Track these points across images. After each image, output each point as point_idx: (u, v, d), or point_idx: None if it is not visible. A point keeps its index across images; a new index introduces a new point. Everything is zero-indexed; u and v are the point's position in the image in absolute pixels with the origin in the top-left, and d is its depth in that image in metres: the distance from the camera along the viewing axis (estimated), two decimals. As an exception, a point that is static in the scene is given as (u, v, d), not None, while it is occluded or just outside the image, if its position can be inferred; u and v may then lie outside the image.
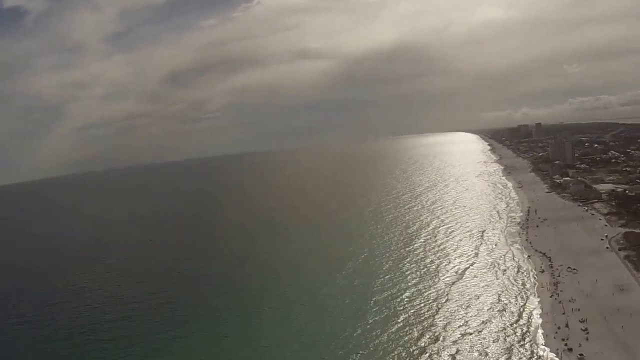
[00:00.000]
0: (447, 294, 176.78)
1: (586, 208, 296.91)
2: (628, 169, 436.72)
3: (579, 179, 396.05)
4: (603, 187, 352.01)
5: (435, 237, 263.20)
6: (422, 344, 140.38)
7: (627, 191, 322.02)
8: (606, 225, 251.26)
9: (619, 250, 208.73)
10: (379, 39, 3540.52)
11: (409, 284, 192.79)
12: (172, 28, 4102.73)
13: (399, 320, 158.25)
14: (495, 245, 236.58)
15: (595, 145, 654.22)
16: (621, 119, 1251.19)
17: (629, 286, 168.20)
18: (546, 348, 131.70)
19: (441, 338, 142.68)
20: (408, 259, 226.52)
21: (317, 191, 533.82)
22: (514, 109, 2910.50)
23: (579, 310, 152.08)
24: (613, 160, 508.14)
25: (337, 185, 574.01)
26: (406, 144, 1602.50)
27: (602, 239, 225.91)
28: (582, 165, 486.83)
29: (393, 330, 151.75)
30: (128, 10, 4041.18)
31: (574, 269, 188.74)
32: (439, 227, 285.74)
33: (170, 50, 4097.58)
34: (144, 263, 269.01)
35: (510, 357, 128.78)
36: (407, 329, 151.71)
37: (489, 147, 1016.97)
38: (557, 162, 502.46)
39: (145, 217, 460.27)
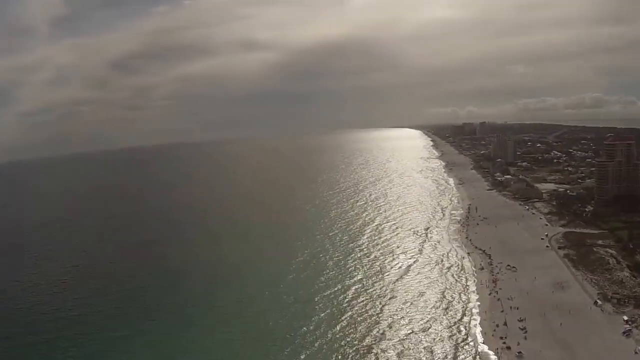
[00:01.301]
0: (392, 291, 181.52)
1: (527, 207, 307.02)
2: (570, 168, 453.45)
3: (520, 177, 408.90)
4: (544, 187, 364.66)
5: (380, 233, 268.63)
6: (369, 342, 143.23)
7: (568, 191, 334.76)
8: (547, 225, 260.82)
9: (559, 249, 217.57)
10: (327, 33, 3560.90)
11: (355, 280, 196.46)
12: (120, 14, 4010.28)
13: (345, 318, 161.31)
14: (438, 242, 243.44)
15: (538, 145, 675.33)
16: (565, 121, 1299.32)
17: (568, 284, 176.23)
18: (485, 346, 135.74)
19: (387, 336, 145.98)
20: (353, 255, 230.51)
21: (259, 185, 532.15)
22: (459, 106, 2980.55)
23: (517, 308, 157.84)
24: (555, 160, 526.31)
25: (279, 179, 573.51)
26: (350, 139, 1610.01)
27: (542, 238, 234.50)
28: (524, 164, 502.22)
29: (339, 328, 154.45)
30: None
31: (513, 267, 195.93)
32: (383, 223, 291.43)
33: (117, 36, 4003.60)
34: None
35: (446, 356, 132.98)
36: (354, 326, 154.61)
37: (431, 143, 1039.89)
38: (498, 160, 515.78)
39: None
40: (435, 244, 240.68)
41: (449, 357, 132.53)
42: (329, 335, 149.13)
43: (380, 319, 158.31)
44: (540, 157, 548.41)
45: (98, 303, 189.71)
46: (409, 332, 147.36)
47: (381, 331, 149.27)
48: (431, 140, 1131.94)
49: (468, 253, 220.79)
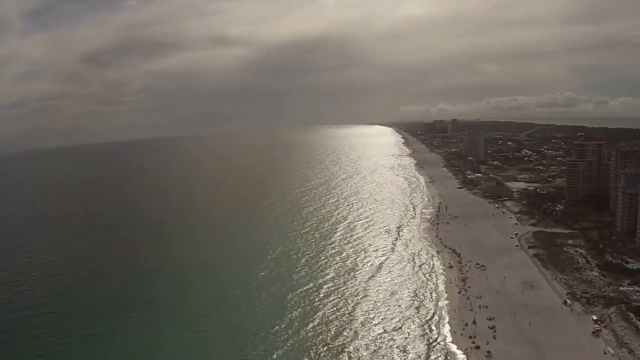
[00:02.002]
0: (364, 290, 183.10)
1: (497, 205, 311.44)
2: (540, 167, 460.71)
3: (490, 176, 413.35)
4: (515, 185, 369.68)
5: (352, 231, 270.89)
6: (341, 341, 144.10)
7: (538, 190, 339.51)
8: (517, 224, 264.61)
9: (529, 248, 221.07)
10: (301, 30, 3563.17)
11: (327, 278, 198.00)
12: (92, 7, 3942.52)
13: (318, 316, 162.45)
14: (409, 240, 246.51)
15: (509, 143, 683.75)
16: (537, 120, 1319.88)
17: (538, 283, 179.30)
18: (454, 346, 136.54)
19: (360, 335, 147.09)
20: (325, 253, 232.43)
21: (231, 183, 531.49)
22: (432, 104, 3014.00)
23: (486, 307, 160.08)
24: (526, 158, 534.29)
25: (253, 176, 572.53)
26: (322, 135, 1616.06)
27: (512, 237, 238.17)
28: (495, 162, 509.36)
29: (312, 326, 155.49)
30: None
31: (483, 266, 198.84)
32: (355, 221, 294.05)
33: (89, 30, 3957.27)
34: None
35: (418, 356, 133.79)
36: (327, 325, 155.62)
37: (402, 141, 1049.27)
38: (469, 158, 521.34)
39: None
40: (406, 242, 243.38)
41: (417, 356, 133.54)
42: (301, 334, 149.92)
43: (353, 317, 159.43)
44: (511, 156, 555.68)
45: (69, 300, 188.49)
46: (381, 331, 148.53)
47: (354, 330, 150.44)
48: (402, 138, 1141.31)
49: (438, 252, 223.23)
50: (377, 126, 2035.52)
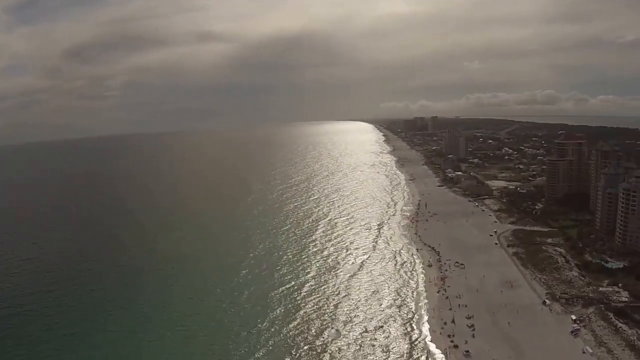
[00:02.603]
0: (346, 288, 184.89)
1: (477, 204, 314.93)
2: (521, 166, 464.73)
3: (471, 174, 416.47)
4: (495, 184, 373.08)
5: (334, 228, 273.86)
6: (324, 340, 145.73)
7: (518, 189, 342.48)
8: (496, 222, 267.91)
9: (508, 247, 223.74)
10: (284, 26, 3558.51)
11: (309, 276, 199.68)
12: (76, 1, 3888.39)
13: (300, 315, 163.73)
14: (390, 238, 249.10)
15: (490, 141, 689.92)
16: (517, 117, 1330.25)
17: (517, 282, 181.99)
18: (432, 345, 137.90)
19: (342, 335, 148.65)
20: (307, 251, 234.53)
21: (214, 179, 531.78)
22: (412, 101, 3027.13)
23: (465, 306, 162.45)
24: (506, 157, 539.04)
25: (235, 173, 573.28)
26: (305, 132, 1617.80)
27: (491, 235, 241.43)
28: (475, 160, 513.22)
29: (294, 325, 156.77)
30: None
31: (462, 264, 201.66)
32: (337, 218, 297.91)
33: (74, 25, 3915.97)
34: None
35: (393, 355, 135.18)
36: (308, 324, 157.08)
37: (383, 138, 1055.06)
38: (450, 156, 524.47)
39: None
40: (386, 239, 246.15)
41: (398, 355, 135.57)
42: (283, 333, 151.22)
43: (335, 316, 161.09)
44: (491, 154, 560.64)
45: (50, 298, 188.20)
46: (363, 330, 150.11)
47: (335, 329, 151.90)
48: (383, 135, 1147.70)
49: (417, 249, 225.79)
50: (358, 122, 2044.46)
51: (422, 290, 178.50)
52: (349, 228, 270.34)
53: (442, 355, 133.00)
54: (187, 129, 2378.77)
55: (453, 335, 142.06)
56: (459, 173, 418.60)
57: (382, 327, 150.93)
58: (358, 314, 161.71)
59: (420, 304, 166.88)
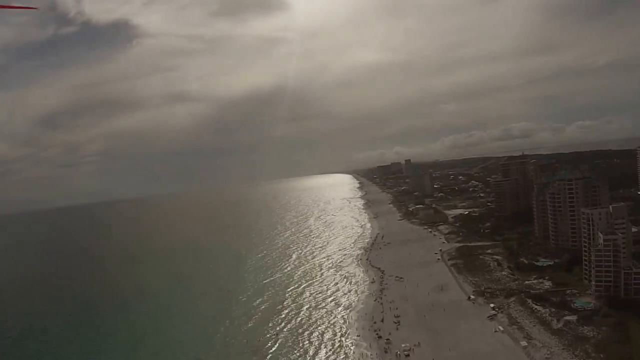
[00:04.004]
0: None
1: (430, 230, 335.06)
2: (482, 194, 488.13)
3: (432, 205, 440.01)
4: (453, 212, 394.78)
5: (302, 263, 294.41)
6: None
7: (471, 213, 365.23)
8: (444, 243, 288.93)
9: (449, 260, 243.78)
10: (255, 83, 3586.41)
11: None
12: (46, 65, 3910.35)
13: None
14: (342, 264, 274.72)
15: (460, 177, 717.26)
16: (495, 153, 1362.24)
17: (448, 286, 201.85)
18: (360, 339, 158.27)
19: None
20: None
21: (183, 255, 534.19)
22: (387, 148, 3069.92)
23: (397, 309, 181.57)
24: (471, 189, 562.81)
25: (208, 246, 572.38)
26: (281, 188, 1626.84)
27: (435, 253, 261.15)
28: (440, 194, 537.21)
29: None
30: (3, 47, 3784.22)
31: (401, 278, 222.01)
32: (303, 256, 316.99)
33: (44, 90, 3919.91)
34: None
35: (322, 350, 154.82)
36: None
37: (358, 185, 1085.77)
38: (415, 193, 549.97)
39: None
40: (339, 266, 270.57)
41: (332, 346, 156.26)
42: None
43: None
44: (457, 188, 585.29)
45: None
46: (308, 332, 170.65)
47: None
48: (358, 182, 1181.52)
49: (365, 271, 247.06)
50: (337, 175, 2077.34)
51: (360, 300, 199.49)
52: (311, 259, 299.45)
53: (366, 344, 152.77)
54: (161, 193, 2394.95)
55: (379, 330, 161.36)
56: (419, 206, 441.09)
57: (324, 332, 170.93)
58: (306, 321, 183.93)
59: (357, 310, 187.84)
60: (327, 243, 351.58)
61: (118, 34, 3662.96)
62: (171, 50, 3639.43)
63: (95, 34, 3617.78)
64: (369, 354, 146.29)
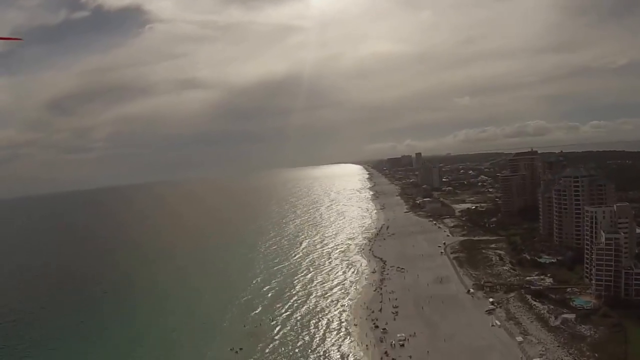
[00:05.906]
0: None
1: (435, 223, 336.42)
2: (491, 189, 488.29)
3: (439, 199, 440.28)
4: (461, 206, 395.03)
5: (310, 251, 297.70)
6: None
7: (478, 207, 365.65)
8: (448, 236, 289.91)
9: (451, 253, 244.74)
10: (268, 70, 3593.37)
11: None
12: (56, 51, 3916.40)
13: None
14: (346, 254, 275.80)
15: (470, 172, 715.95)
16: (509, 150, 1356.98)
17: (449, 279, 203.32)
18: (357, 328, 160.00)
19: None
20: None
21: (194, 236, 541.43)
22: (399, 141, 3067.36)
23: (396, 299, 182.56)
24: (480, 183, 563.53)
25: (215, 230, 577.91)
26: (293, 177, 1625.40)
27: (439, 246, 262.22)
28: (448, 188, 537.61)
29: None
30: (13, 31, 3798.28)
31: (402, 269, 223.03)
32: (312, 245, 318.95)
33: (52, 75, 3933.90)
34: None
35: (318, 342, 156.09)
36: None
37: (367, 176, 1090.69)
38: (424, 186, 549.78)
39: None
40: (343, 256, 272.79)
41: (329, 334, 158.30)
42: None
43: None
44: (466, 182, 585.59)
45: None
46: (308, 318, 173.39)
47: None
48: (368, 174, 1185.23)
49: (367, 261, 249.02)
50: (347, 165, 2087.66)
51: (360, 289, 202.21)
52: (319, 248, 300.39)
53: (362, 333, 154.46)
54: (178, 178, 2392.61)
55: (376, 320, 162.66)
56: (427, 199, 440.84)
57: (320, 320, 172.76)
58: (308, 306, 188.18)
59: (356, 299, 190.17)
60: (335, 233, 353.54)
61: (130, 19, 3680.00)
62: (183, 36, 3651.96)
63: (106, 19, 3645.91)
64: (364, 343, 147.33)
